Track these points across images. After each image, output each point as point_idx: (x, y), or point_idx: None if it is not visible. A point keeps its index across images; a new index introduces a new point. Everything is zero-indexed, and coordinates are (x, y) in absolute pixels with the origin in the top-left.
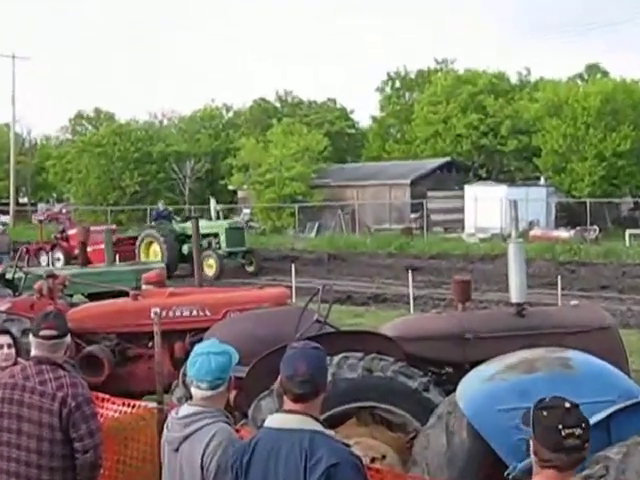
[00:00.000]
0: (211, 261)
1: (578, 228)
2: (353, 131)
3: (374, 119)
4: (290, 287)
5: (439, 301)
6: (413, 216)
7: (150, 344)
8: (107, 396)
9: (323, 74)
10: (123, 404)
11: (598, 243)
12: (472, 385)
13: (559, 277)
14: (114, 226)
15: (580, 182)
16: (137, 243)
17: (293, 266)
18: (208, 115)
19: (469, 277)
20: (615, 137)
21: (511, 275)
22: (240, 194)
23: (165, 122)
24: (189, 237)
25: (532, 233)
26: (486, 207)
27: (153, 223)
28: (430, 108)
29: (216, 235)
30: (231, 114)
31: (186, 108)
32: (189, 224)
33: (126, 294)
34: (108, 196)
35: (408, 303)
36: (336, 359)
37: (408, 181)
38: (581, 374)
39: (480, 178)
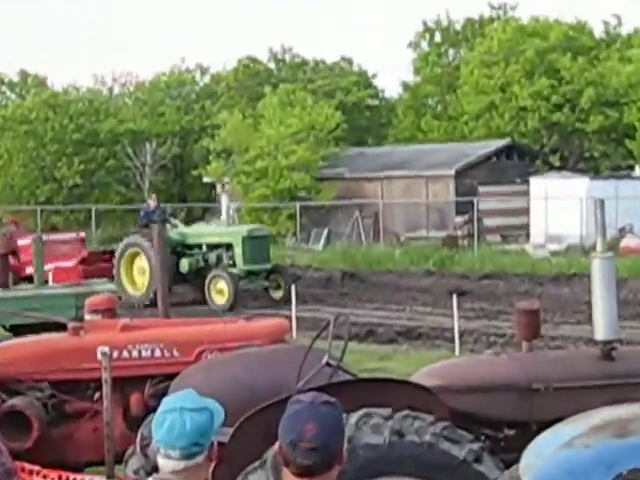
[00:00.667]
0: (221, 284)
1: None
2: (376, 103)
3: (405, 86)
4: (289, 318)
5: (496, 338)
6: (459, 220)
7: (96, 396)
8: (37, 467)
9: (333, 25)
10: (59, 478)
11: None
12: (542, 454)
13: (207, 281)
14: (82, 233)
15: None
16: (116, 255)
17: (293, 289)
18: (176, 81)
19: (537, 304)
20: None
21: (596, 302)
22: (220, 189)
23: (117, 90)
24: (190, 248)
25: (624, 244)
26: (560, 208)
27: (138, 228)
28: (483, 71)
29: (229, 247)
30: (208, 79)
31: (146, 71)
32: (192, 229)
33: (63, 327)
34: (37, 191)
35: (452, 341)
36: (354, 418)
37: (452, 172)
38: None
39: (552, 168)
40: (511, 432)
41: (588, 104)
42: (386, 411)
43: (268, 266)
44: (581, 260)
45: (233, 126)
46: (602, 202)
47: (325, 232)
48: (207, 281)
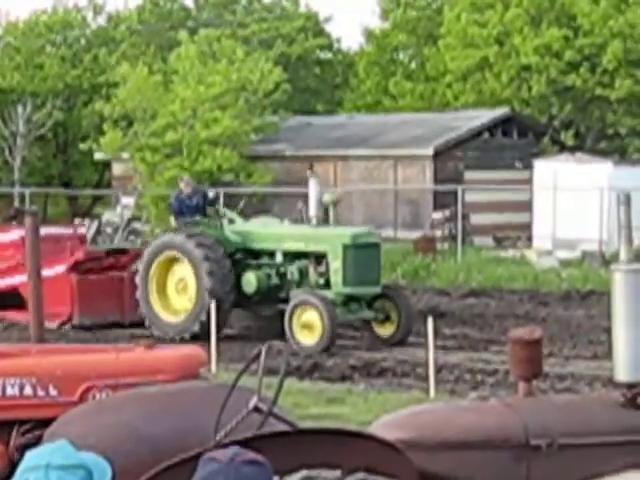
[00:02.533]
0: (310, 315)
1: None
2: (330, 56)
3: (369, 35)
4: (207, 345)
5: (484, 376)
6: (438, 216)
7: None
8: None
9: None
10: None
11: None
12: None
13: (289, 309)
14: (82, 228)
15: None
16: (142, 263)
17: (213, 304)
18: (60, 22)
19: (539, 333)
20: None
21: (618, 330)
22: (117, 170)
23: None
24: (257, 256)
25: None
26: (574, 202)
27: (176, 221)
28: (473, 16)
29: (320, 258)
30: (102, 21)
31: (20, 8)
32: (261, 227)
33: None
34: None
35: (426, 379)
36: None
37: (430, 151)
38: None
39: (564, 148)
40: None
41: (613, 63)
42: (334, 474)
43: (377, 289)
44: (600, 273)
45: (136, 84)
46: (628, 196)
47: None
48: (288, 309)
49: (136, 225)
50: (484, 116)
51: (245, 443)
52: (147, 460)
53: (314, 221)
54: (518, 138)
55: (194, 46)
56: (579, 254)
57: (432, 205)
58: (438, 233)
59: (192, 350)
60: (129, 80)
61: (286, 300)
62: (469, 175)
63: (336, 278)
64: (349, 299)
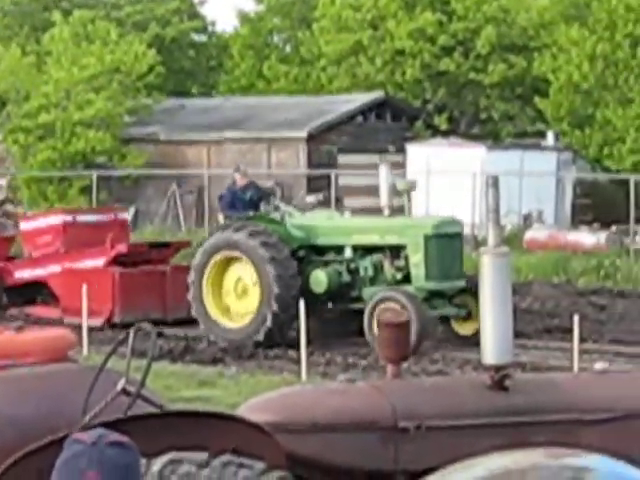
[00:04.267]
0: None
1: (614, 228)
2: (204, 39)
3: (243, 18)
4: (79, 328)
5: (356, 359)
6: (311, 200)
7: None
8: None
9: None
10: None
11: None
12: None
13: (576, 318)
14: (124, 214)
15: (619, 144)
16: (195, 263)
17: (85, 287)
18: None
19: (406, 316)
20: None
21: (485, 314)
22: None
23: None
24: (322, 251)
25: (530, 236)
26: (447, 186)
27: (225, 216)
28: (346, 0)
29: (398, 250)
30: None
31: None
32: (327, 220)
33: None
34: None
35: (298, 361)
36: (158, 465)
37: (303, 134)
38: None
39: (437, 132)
40: None
41: (486, 48)
42: (201, 456)
43: (462, 283)
44: (472, 256)
45: (9, 66)
46: (496, 179)
47: (132, 211)
48: (368, 308)
49: (8, 207)
50: (358, 100)
51: (112, 425)
52: (13, 442)
53: (387, 211)
54: (392, 122)
55: (68, 27)
56: None
57: (305, 188)
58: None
59: (61, 333)
60: (2, 61)
61: (358, 299)
62: (342, 159)
63: (417, 272)
64: (432, 295)
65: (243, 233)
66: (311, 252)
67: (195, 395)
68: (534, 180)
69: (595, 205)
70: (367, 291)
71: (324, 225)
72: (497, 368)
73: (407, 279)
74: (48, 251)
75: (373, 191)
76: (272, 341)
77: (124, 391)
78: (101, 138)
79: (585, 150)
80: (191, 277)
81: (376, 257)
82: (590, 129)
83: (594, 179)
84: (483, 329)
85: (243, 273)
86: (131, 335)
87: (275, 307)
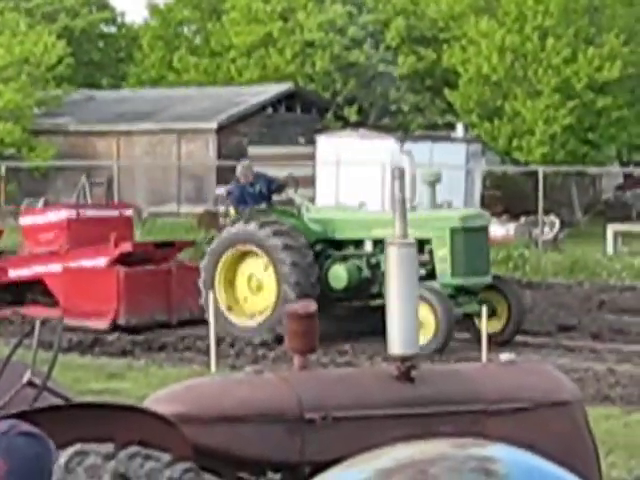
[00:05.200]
0: (420, 310)
1: (523, 220)
2: (114, 30)
3: (153, 9)
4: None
5: (264, 351)
6: (222, 191)
7: None
8: None
9: None
10: None
11: (558, 247)
12: None
13: (484, 308)
14: (128, 210)
15: (528, 136)
16: (206, 258)
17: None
18: None
19: (314, 306)
20: (593, 55)
21: (392, 306)
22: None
23: None
24: (340, 246)
25: None
26: (357, 177)
27: (237, 212)
28: None
29: (423, 244)
30: None
31: None
32: (342, 212)
33: None
34: None
35: (207, 353)
36: (64, 457)
37: (213, 126)
38: None
39: (347, 124)
40: (277, 476)
41: (396, 40)
42: (107, 448)
43: (489, 279)
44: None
45: None
46: (402, 171)
47: (41, 203)
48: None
49: None
50: (268, 91)
51: (18, 417)
52: None
53: (409, 204)
54: (302, 113)
55: None
56: None
57: (215, 180)
58: (221, 209)
59: None
60: None
61: (379, 295)
62: (253, 150)
63: (443, 268)
64: (457, 291)
65: (256, 226)
66: (328, 246)
67: (104, 387)
68: (443, 172)
69: (504, 197)
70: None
71: (343, 218)
72: (403, 359)
73: (431, 275)
74: (51, 248)
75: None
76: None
77: (30, 383)
78: (10, 130)
79: (494, 142)
80: (203, 275)
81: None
82: (499, 121)
83: (503, 171)
84: (390, 320)
85: (257, 268)
86: (37, 327)
87: (293, 297)
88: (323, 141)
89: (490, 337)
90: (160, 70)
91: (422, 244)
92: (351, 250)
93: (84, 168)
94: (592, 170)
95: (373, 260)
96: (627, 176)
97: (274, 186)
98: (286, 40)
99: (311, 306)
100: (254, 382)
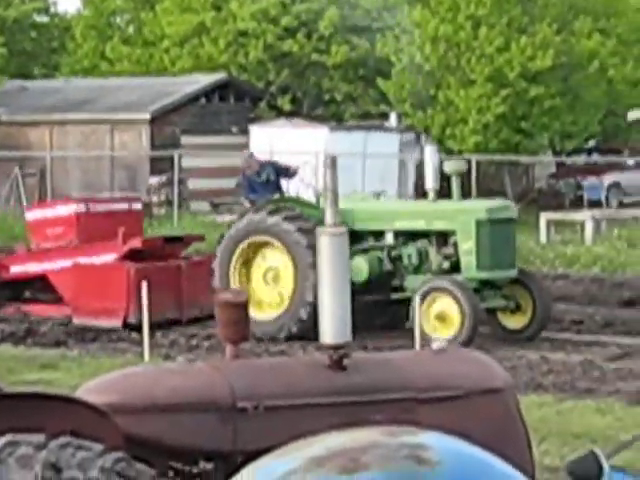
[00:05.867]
0: (445, 303)
1: None
2: (46, 20)
3: (86, 0)
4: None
5: (198, 340)
6: (154, 181)
7: None
8: None
9: None
10: None
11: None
12: None
13: (417, 298)
14: (137, 204)
15: (461, 125)
16: (220, 249)
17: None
18: None
19: (246, 295)
20: (526, 44)
21: (324, 295)
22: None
23: None
24: (360, 238)
25: None
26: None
27: (248, 201)
28: None
29: (445, 237)
30: None
31: None
32: (361, 202)
33: None
34: None
35: (141, 343)
36: None
37: (146, 116)
38: (443, 473)
39: (280, 113)
40: (209, 465)
41: (329, 30)
42: (38, 438)
43: (514, 273)
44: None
45: None
46: (334, 159)
47: None
48: (417, 298)
49: None
50: (201, 81)
51: None
52: None
53: (432, 194)
54: (235, 103)
55: None
56: None
57: (149, 170)
58: (155, 198)
59: None
60: None
61: (399, 288)
62: (186, 140)
63: (468, 261)
64: (482, 285)
65: (276, 217)
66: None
67: (37, 378)
68: (377, 161)
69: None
70: (410, 280)
71: (363, 209)
72: (335, 347)
73: (455, 268)
74: (59, 243)
75: (218, 172)
76: (306, 333)
77: None
78: None
79: (428, 131)
80: (217, 267)
81: (421, 244)
82: (432, 110)
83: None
84: (322, 309)
85: (274, 260)
86: None
87: (310, 297)
88: (256, 131)
89: (513, 333)
90: (93, 60)
91: (446, 236)
92: (371, 242)
93: (17, 159)
94: (525, 159)
95: (394, 252)
96: (560, 165)
97: (283, 172)
98: (219, 30)
99: (243, 294)
100: (186, 371)
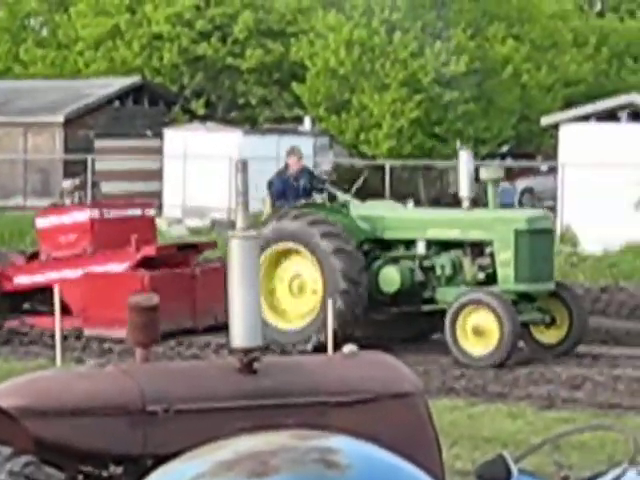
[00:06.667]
0: (482, 317)
1: None
2: None
3: (0, 1)
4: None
5: (111, 344)
6: (68, 184)
7: None
8: None
9: None
10: None
11: None
12: None
13: (330, 302)
14: (150, 210)
15: (375, 130)
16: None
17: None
18: None
19: (157, 299)
20: (440, 49)
21: (234, 298)
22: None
23: None
24: (389, 246)
25: None
26: (204, 171)
27: (272, 202)
28: None
29: (483, 246)
30: None
31: None
32: (393, 210)
33: None
34: None
35: (53, 346)
36: None
37: (60, 119)
38: (352, 476)
39: (195, 117)
40: (119, 469)
41: (244, 33)
42: None
43: (552, 286)
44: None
45: None
46: (245, 163)
47: None
48: (451, 311)
49: None
50: (115, 84)
51: None
52: None
53: (466, 203)
54: (149, 106)
55: None
56: (209, 222)
57: (62, 173)
58: (68, 201)
59: None
60: None
61: (431, 300)
62: (100, 143)
63: (505, 272)
64: (519, 297)
65: (302, 223)
66: (377, 246)
67: None
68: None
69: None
70: (442, 292)
71: (395, 217)
72: (246, 351)
73: (490, 279)
74: (73, 252)
75: (132, 176)
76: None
77: None
78: None
79: (342, 135)
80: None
81: (454, 254)
82: (347, 115)
83: (350, 164)
84: (232, 313)
85: (299, 268)
86: None
87: (341, 306)
88: (170, 134)
89: (547, 348)
90: (6, 62)
91: (481, 246)
92: (401, 251)
93: None
94: (439, 164)
95: (426, 262)
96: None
97: (317, 183)
98: (134, 33)
99: (153, 298)
100: (96, 375)
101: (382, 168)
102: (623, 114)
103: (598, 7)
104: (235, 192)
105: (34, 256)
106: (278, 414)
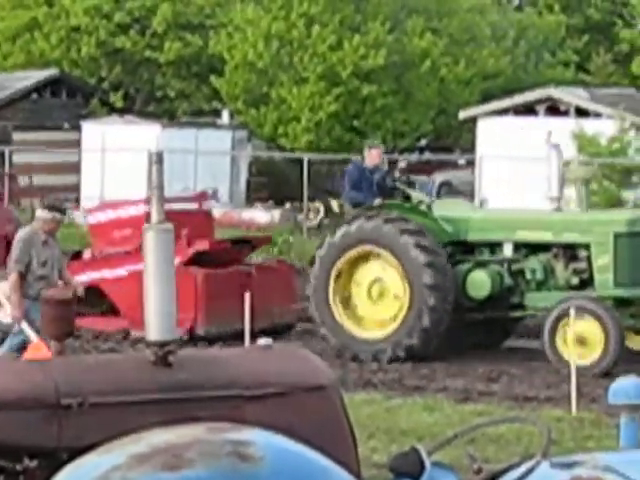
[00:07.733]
0: (585, 325)
1: (288, 206)
2: None
3: None
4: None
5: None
6: None
7: None
8: None
9: None
10: None
11: (322, 234)
12: None
13: (247, 295)
14: (209, 202)
15: (294, 123)
16: (322, 259)
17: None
18: None
19: (70, 294)
20: (359, 43)
21: (150, 291)
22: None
23: None
24: (471, 248)
25: None
26: (122, 163)
27: (348, 197)
28: None
29: (578, 249)
30: None
31: None
32: (477, 211)
33: None
34: None
35: None
36: None
37: None
38: (265, 469)
39: (113, 110)
40: (33, 463)
41: (162, 26)
42: None
43: None
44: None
45: None
46: (160, 155)
47: None
48: (551, 317)
49: None
50: (33, 77)
51: None
52: None
53: (557, 203)
54: (67, 99)
55: None
56: None
57: None
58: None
59: None
60: None
61: (519, 306)
62: (17, 136)
63: (604, 277)
64: (617, 303)
65: (386, 225)
66: (460, 249)
67: None
68: (209, 158)
69: (270, 183)
70: (532, 297)
71: (480, 218)
72: (161, 344)
73: (585, 284)
74: (126, 248)
75: (50, 169)
76: (413, 358)
77: None
78: None
79: (260, 129)
80: (315, 278)
81: (544, 257)
82: (265, 108)
83: (269, 157)
84: (147, 306)
85: (379, 272)
86: None
87: (427, 322)
88: (88, 127)
89: (636, 354)
90: None
91: (576, 249)
92: (486, 254)
93: None
94: (357, 158)
95: (515, 266)
96: (392, 163)
97: (390, 180)
98: (51, 25)
99: (67, 292)
100: (9, 368)
101: (300, 162)
102: (541, 108)
103: (516, 1)
104: (149, 185)
105: (77, 256)
106: (193, 407)
